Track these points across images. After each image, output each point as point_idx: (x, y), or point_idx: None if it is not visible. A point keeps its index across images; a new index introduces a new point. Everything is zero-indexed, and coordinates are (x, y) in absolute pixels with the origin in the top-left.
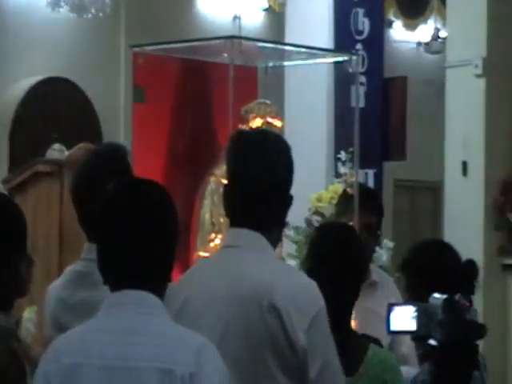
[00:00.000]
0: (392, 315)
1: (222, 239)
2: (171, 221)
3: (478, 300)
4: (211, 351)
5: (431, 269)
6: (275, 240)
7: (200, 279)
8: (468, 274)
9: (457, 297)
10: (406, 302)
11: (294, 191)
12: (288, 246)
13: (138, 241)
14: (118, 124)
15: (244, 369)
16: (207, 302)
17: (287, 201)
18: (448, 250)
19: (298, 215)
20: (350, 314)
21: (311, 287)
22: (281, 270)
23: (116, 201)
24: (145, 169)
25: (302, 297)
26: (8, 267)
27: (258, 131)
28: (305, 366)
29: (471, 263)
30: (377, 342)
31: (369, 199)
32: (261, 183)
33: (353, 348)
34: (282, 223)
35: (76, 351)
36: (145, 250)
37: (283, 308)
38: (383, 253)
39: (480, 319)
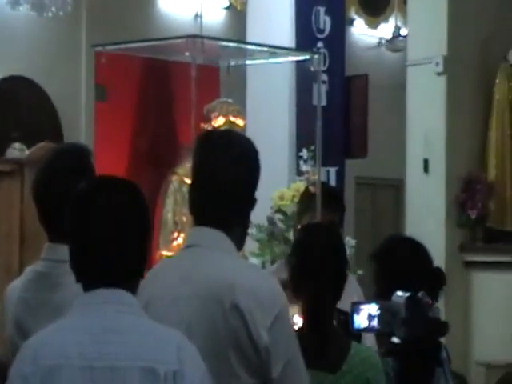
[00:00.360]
0: (356, 313)
1: (184, 238)
2: (144, 218)
3: (440, 296)
4: (190, 347)
5: (410, 262)
6: (239, 239)
7: (163, 280)
8: (436, 280)
9: (420, 294)
10: (369, 301)
11: (257, 191)
12: (250, 245)
13: (113, 239)
14: (79, 123)
15: (208, 368)
16: (170, 303)
17: (250, 201)
18: (424, 249)
19: (260, 213)
20: (333, 312)
21: (273, 286)
22: (242, 270)
23: (89, 199)
24: (107, 167)
25: (264, 296)
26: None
27: (224, 132)
28: (268, 366)
29: (440, 271)
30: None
31: (331, 197)
32: (223, 182)
33: (335, 346)
34: (245, 223)
35: (55, 352)
36: (120, 249)
37: (245, 307)
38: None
39: (442, 316)
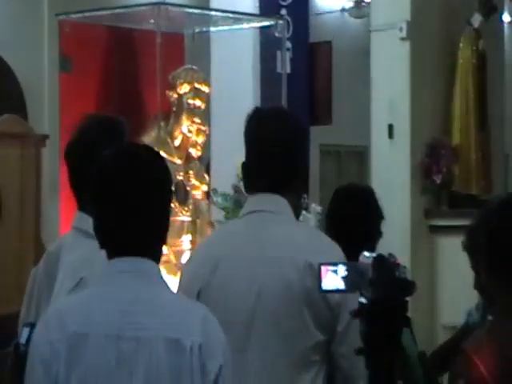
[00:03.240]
0: (323, 274)
1: None
2: (170, 183)
3: (406, 261)
4: (213, 320)
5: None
6: (294, 207)
7: (230, 241)
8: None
9: (387, 254)
10: (336, 262)
11: (221, 158)
12: (217, 213)
13: (141, 204)
14: (42, 95)
15: (281, 323)
16: (240, 263)
17: (303, 171)
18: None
19: (225, 181)
20: None
21: (337, 248)
22: (310, 232)
23: (115, 164)
24: None
25: (335, 257)
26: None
27: (275, 106)
28: (336, 320)
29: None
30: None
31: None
32: (282, 150)
33: None
34: (299, 192)
35: (82, 320)
36: (147, 214)
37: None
38: (311, 217)
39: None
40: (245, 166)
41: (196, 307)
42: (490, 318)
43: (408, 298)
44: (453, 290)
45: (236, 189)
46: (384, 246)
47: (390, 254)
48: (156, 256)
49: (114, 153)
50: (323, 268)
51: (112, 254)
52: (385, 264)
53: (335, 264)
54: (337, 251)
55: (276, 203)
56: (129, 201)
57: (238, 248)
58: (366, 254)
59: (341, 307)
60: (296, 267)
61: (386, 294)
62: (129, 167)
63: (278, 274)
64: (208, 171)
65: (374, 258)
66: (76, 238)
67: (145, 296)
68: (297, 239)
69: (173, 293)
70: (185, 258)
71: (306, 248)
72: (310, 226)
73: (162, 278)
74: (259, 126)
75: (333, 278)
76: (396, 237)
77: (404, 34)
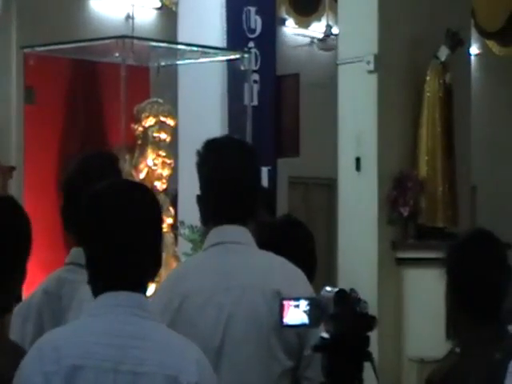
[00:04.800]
0: (285, 310)
1: None
2: (160, 219)
3: (373, 293)
4: (207, 363)
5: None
6: (253, 233)
7: (197, 276)
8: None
9: (348, 290)
10: (298, 297)
11: (189, 190)
12: (184, 245)
13: (129, 243)
14: (9, 127)
15: (249, 350)
16: (208, 296)
17: (258, 197)
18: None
19: (192, 214)
20: None
21: (302, 275)
22: (275, 260)
23: (106, 200)
24: (38, 169)
25: (300, 282)
26: (18, 270)
27: (227, 137)
28: (304, 345)
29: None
30: None
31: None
32: (239, 182)
33: None
34: (254, 217)
35: (79, 352)
36: (136, 252)
37: (286, 293)
38: None
39: (375, 312)
40: (201, 199)
41: (190, 346)
42: (457, 349)
43: (370, 333)
44: (419, 323)
45: None
46: (351, 278)
47: (352, 289)
48: (145, 291)
49: (101, 191)
50: (285, 303)
51: (102, 288)
52: (346, 299)
53: (297, 299)
54: (302, 278)
55: (239, 234)
56: (117, 240)
57: (203, 280)
58: (328, 288)
59: (308, 333)
60: (263, 295)
61: (348, 328)
62: (116, 206)
63: (246, 302)
64: (174, 204)
65: (336, 292)
66: (80, 274)
67: (141, 331)
68: (263, 267)
69: (168, 329)
70: (149, 291)
71: (273, 276)
72: (274, 255)
73: (154, 313)
74: (216, 159)
75: (295, 313)
76: (363, 268)
77: (371, 67)
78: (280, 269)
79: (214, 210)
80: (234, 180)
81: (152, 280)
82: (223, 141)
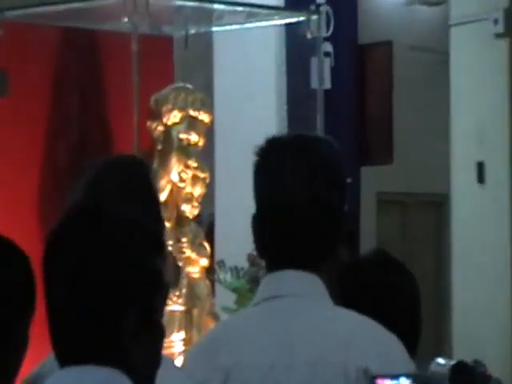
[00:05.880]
0: None
1: None
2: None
3: (506, 366)
4: None
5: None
6: (329, 280)
7: (243, 342)
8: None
9: (470, 362)
10: (397, 374)
11: (230, 216)
12: (224, 296)
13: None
14: None
15: None
16: (262, 376)
17: (337, 225)
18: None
19: (236, 250)
20: None
21: (397, 341)
22: (359, 321)
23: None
24: (12, 191)
25: (396, 356)
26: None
27: (290, 136)
28: None
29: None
30: None
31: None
32: (307, 205)
33: None
34: (334, 257)
35: None
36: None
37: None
38: None
39: None
40: (257, 222)
41: None
42: None
43: None
44: None
45: (253, 260)
46: (473, 344)
47: (476, 361)
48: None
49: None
50: (379, 382)
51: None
52: (468, 375)
53: (396, 377)
54: (398, 347)
55: (305, 283)
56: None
57: (254, 352)
58: (441, 360)
59: None
60: (344, 375)
61: None
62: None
63: None
64: (210, 237)
65: (453, 366)
66: None
67: None
68: (341, 334)
69: None
70: (177, 363)
71: (357, 347)
72: (357, 314)
73: None
74: (277, 168)
75: None
76: (490, 331)
77: (500, 28)
78: (367, 336)
79: (269, 246)
80: (301, 202)
81: None
82: (291, 143)
